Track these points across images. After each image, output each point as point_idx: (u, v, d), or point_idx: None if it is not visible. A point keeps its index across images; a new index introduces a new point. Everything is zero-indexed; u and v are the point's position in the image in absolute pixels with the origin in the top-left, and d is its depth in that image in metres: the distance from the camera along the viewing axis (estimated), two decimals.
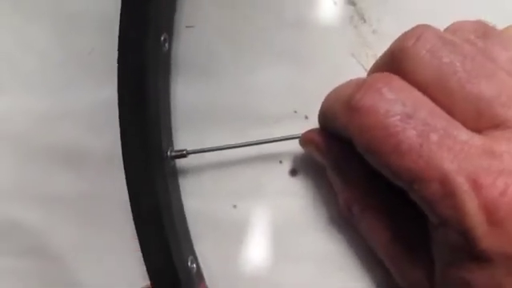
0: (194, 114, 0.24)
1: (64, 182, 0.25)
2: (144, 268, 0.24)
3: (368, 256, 0.23)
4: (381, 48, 0.21)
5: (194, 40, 0.24)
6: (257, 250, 0.24)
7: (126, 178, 0.22)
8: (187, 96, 0.24)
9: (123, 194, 0.24)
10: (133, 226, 0.24)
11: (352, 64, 0.24)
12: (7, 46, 0.26)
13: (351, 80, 0.20)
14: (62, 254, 0.25)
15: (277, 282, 0.23)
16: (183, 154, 0.23)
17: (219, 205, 0.24)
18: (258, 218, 0.24)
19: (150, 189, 0.21)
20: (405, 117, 0.17)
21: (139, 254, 0.24)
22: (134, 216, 0.21)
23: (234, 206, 0.24)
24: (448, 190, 0.16)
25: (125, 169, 0.22)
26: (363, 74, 0.23)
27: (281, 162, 0.24)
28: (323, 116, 0.21)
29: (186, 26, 0.25)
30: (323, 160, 0.21)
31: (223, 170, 0.24)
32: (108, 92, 0.25)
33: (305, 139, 0.22)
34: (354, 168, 0.21)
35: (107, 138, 0.25)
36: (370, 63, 0.23)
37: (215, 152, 0.23)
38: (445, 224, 0.17)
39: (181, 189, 0.24)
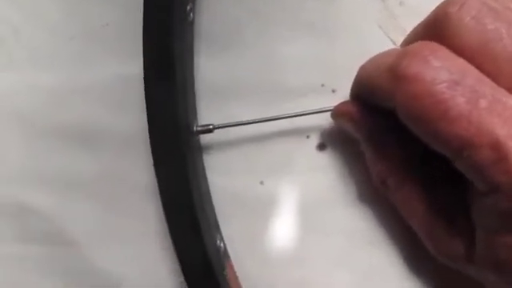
0: (218, 87, 0.24)
1: (79, 162, 0.24)
2: (165, 252, 0.23)
3: (396, 230, 0.23)
4: (408, 20, 0.21)
5: (218, 11, 0.24)
6: (284, 227, 0.23)
7: (153, 154, 0.21)
8: (211, 69, 0.24)
9: (143, 175, 0.24)
10: (154, 209, 0.23)
11: (379, 36, 0.23)
12: (16, 20, 0.25)
13: (389, 50, 0.20)
14: (77, 240, 0.24)
15: (304, 259, 0.23)
16: (210, 129, 0.22)
17: (246, 181, 0.23)
18: (285, 195, 0.23)
19: (179, 166, 0.20)
20: (452, 84, 0.17)
21: (161, 238, 0.23)
22: (161, 195, 0.21)
23: (261, 183, 0.23)
24: (500, 155, 0.16)
25: (151, 144, 0.21)
26: (390, 46, 0.23)
27: (308, 136, 0.23)
28: (359, 86, 0.21)
29: None
30: (357, 133, 0.21)
31: (249, 145, 0.23)
32: (125, 67, 0.24)
33: (338, 111, 0.22)
34: (389, 140, 0.20)
35: (125, 116, 0.24)
36: (397, 35, 0.23)
37: (240, 127, 0.23)
38: (496, 190, 0.16)
39: (205, 165, 0.23)
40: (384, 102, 0.19)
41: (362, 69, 0.21)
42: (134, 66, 0.22)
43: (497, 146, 0.16)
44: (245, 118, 0.23)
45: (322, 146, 0.23)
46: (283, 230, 0.23)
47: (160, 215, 0.23)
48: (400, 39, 0.22)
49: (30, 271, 0.24)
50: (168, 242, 0.22)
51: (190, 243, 0.20)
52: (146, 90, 0.20)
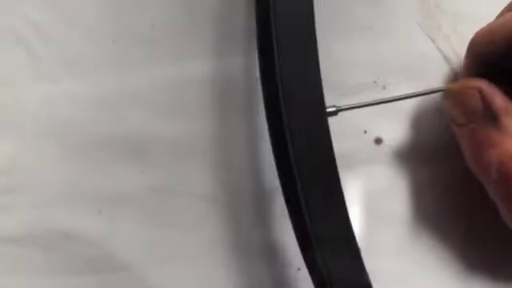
0: None
1: (126, 177, 0.22)
2: (224, 270, 0.22)
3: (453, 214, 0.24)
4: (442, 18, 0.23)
5: None
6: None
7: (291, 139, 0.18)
8: None
9: (199, 186, 0.22)
10: (211, 222, 0.22)
11: (421, 35, 0.25)
12: (47, 26, 0.22)
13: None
14: (129, 264, 0.22)
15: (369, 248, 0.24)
16: (335, 112, 0.20)
17: None
18: (344, 188, 0.24)
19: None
20: None
21: (218, 253, 0.22)
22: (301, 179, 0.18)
23: None
24: None
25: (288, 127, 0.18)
26: (431, 44, 0.25)
27: (365, 131, 0.24)
28: (482, 49, 0.21)
29: None
30: (483, 109, 0.20)
31: None
32: (172, 71, 0.23)
33: (466, 87, 0.21)
34: None
35: (178, 122, 0.23)
36: (435, 33, 0.25)
37: None
38: None
39: None
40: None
41: (485, 32, 0.21)
42: (184, 69, 0.21)
43: None
44: None
45: (379, 140, 0.24)
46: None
47: (217, 228, 0.23)
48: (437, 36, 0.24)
49: None
50: (227, 257, 0.21)
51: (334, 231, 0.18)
52: (280, 65, 0.18)
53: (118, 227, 0.22)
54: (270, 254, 0.23)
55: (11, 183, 0.22)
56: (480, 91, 0.20)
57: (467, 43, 0.22)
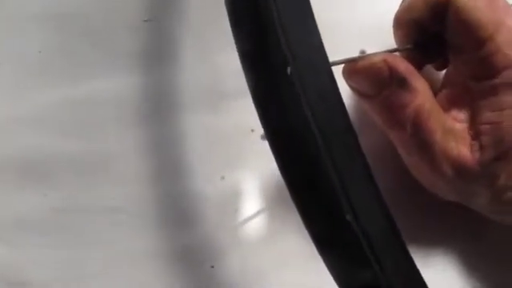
0: None
1: (27, 202, 0.22)
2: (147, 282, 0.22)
3: None
4: None
5: None
6: None
7: None
8: None
9: (103, 202, 0.23)
10: (120, 236, 0.22)
11: None
12: None
13: None
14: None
15: None
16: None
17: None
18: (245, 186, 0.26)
19: None
20: None
21: (137, 267, 0.23)
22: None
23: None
24: None
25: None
26: None
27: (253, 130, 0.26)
28: (405, 20, 0.24)
29: None
30: (391, 76, 0.22)
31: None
32: (62, 93, 0.23)
33: (373, 61, 0.22)
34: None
35: (72, 143, 0.24)
36: None
37: None
38: None
39: None
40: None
41: (402, 9, 0.24)
42: (74, 90, 0.22)
43: None
44: None
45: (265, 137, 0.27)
46: None
47: (126, 238, 0.23)
48: None
49: None
50: (141, 265, 0.22)
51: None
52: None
53: (25, 253, 0.21)
54: (184, 255, 0.24)
55: None
56: (385, 62, 0.22)
57: None
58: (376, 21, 0.27)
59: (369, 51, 0.27)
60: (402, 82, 0.22)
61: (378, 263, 0.17)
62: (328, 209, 0.17)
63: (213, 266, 0.24)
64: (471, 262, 0.26)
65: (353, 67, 0.23)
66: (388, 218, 0.17)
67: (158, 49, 0.25)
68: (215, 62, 0.26)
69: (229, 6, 0.17)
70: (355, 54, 0.28)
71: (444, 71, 0.26)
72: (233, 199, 0.25)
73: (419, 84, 0.23)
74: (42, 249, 0.22)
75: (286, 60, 0.16)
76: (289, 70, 0.16)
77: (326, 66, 0.16)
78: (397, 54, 0.24)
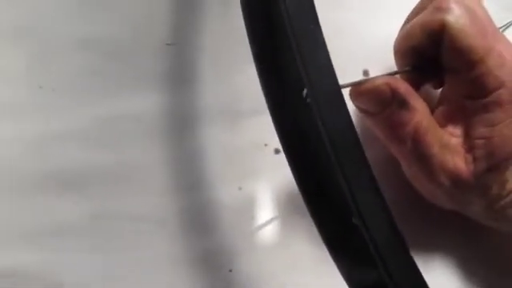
0: None
1: (63, 210, 0.24)
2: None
3: None
4: None
5: None
6: None
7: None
8: None
9: (131, 211, 0.25)
10: (147, 242, 0.24)
11: None
12: None
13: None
14: None
15: None
16: None
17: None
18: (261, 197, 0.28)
19: None
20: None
21: (164, 271, 0.25)
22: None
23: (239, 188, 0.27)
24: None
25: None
26: None
27: (266, 144, 0.29)
28: (404, 46, 0.26)
29: None
30: (393, 97, 0.24)
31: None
32: (94, 111, 0.25)
33: (376, 84, 0.24)
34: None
35: (103, 156, 0.26)
36: None
37: None
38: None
39: None
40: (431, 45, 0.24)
41: (401, 37, 0.26)
42: (105, 108, 0.24)
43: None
44: None
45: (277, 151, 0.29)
46: None
47: (153, 244, 0.25)
48: None
49: None
50: (168, 269, 0.24)
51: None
52: None
53: (62, 257, 0.23)
54: (204, 259, 0.26)
55: None
56: (387, 84, 0.24)
57: None
58: (377, 43, 0.29)
59: (371, 71, 0.30)
60: (402, 103, 0.24)
61: (384, 264, 0.19)
62: (338, 213, 0.19)
63: (231, 270, 0.26)
64: (468, 266, 0.28)
65: (358, 89, 0.25)
66: (392, 222, 0.19)
67: (179, 70, 0.28)
68: (231, 83, 0.28)
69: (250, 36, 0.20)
70: (359, 73, 0.30)
71: (440, 89, 0.28)
72: (249, 207, 0.27)
73: (418, 103, 0.25)
74: (75, 253, 0.24)
75: (302, 84, 0.18)
76: (304, 92, 0.18)
77: (337, 88, 0.18)
78: (397, 76, 0.26)
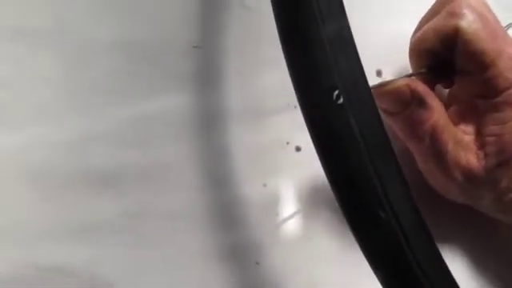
0: None
1: (102, 208, 0.25)
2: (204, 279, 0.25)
3: None
4: None
5: None
6: None
7: None
8: None
9: (165, 208, 0.26)
10: (180, 238, 0.25)
11: None
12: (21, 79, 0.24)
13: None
14: (115, 282, 0.25)
15: None
16: None
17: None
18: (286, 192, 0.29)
19: None
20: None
21: (196, 266, 0.26)
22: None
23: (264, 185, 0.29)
24: None
25: None
26: None
27: (288, 143, 0.30)
28: (418, 49, 0.27)
29: None
30: (412, 97, 0.25)
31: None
32: (129, 111, 0.27)
33: (397, 85, 0.26)
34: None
35: (137, 156, 0.26)
36: None
37: None
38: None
39: None
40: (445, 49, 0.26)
41: (418, 37, 0.27)
42: (139, 108, 0.25)
43: None
44: None
45: (298, 148, 0.30)
46: None
47: (185, 240, 0.26)
48: None
49: None
50: (199, 263, 0.25)
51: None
52: None
53: (101, 252, 0.24)
54: (232, 253, 0.27)
55: None
56: (407, 86, 0.26)
57: None
58: (390, 44, 0.30)
59: (384, 71, 0.31)
60: (421, 102, 0.26)
61: (413, 254, 0.20)
62: (367, 205, 0.20)
63: (257, 262, 0.27)
64: (478, 258, 0.29)
65: (381, 90, 0.26)
66: (418, 213, 0.20)
67: (205, 71, 0.29)
68: (255, 84, 0.29)
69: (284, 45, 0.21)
70: (372, 73, 0.31)
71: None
72: (273, 203, 0.28)
73: (435, 103, 0.26)
74: (113, 248, 0.25)
75: (335, 85, 0.20)
76: (336, 92, 0.20)
77: (368, 90, 0.19)
78: (413, 77, 0.28)
